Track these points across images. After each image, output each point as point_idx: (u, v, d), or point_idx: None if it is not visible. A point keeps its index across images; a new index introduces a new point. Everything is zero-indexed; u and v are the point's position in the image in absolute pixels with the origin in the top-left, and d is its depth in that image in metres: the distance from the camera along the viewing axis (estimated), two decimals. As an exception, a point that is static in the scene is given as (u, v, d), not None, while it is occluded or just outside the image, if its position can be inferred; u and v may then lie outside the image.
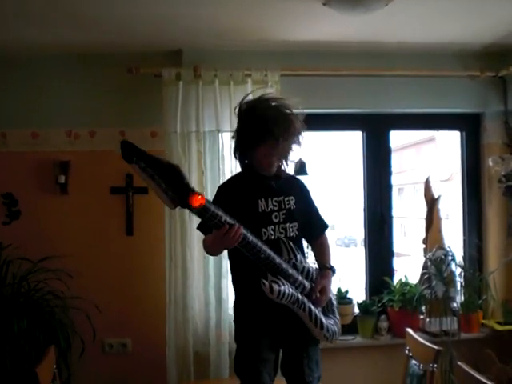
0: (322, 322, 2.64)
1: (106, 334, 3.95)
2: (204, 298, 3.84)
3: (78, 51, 3.91)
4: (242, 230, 2.37)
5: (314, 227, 2.85)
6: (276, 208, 2.65)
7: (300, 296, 2.57)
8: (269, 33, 3.71)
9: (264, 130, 2.57)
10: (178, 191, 2.14)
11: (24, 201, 3.99)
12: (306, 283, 2.63)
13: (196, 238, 3.77)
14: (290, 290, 2.51)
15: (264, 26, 3.61)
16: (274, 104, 2.68)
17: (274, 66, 3.89)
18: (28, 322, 3.49)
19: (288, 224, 2.66)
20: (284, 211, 2.66)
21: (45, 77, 4.00)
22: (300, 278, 2.60)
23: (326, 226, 2.92)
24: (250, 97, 2.81)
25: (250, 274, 2.57)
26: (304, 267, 2.64)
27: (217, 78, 3.82)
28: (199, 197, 2.17)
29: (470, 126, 4.48)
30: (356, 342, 4.15)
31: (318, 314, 2.63)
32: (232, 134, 2.80)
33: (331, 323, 2.72)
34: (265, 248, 2.46)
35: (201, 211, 2.24)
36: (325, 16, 3.33)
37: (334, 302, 2.87)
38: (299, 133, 2.68)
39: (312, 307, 2.61)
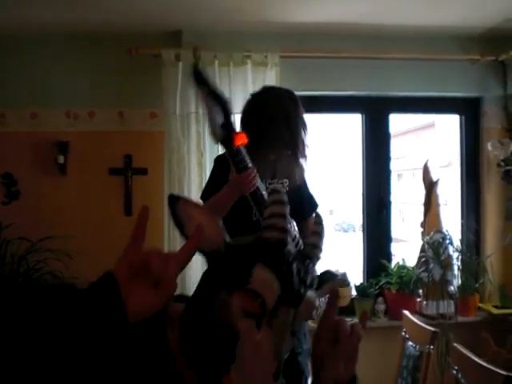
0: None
1: (104, 314, 3.97)
2: (202, 279, 3.86)
3: (78, 31, 3.89)
4: (259, 180, 2.43)
5: (304, 207, 2.85)
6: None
7: None
8: (269, 14, 3.70)
9: (262, 120, 2.60)
10: (225, 126, 2.25)
11: (23, 181, 3.99)
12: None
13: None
14: None
15: (265, 7, 3.60)
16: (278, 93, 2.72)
17: (274, 47, 3.89)
18: (27, 301, 3.51)
19: None
20: None
21: (44, 57, 4.00)
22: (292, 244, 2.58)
23: (315, 206, 2.93)
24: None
25: None
26: (296, 236, 2.63)
27: (216, 59, 3.82)
28: (243, 138, 2.29)
29: (469, 111, 4.48)
30: (353, 324, 4.18)
31: None
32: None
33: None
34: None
35: (237, 151, 2.32)
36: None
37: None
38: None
39: None
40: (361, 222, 4.56)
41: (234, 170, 2.41)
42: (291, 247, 1.08)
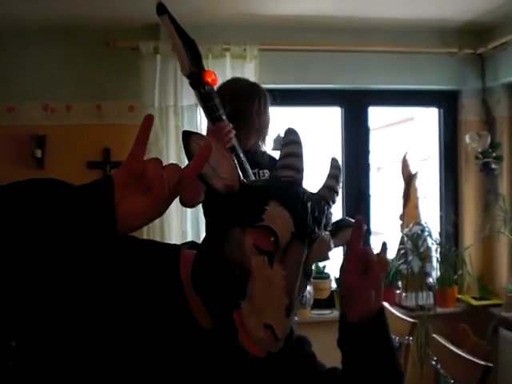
0: None
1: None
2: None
3: (55, 24, 3.84)
4: (235, 139, 2.36)
5: None
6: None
7: None
8: (248, 6, 3.68)
9: (238, 107, 2.59)
10: (195, 64, 2.20)
11: (0, 175, 3.94)
12: None
13: (174, 211, 3.76)
14: None
15: (243, 0, 3.59)
16: (243, 82, 2.74)
17: (253, 40, 3.88)
18: None
19: None
20: None
21: (21, 50, 3.94)
22: None
23: None
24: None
25: None
26: None
27: (195, 51, 3.79)
28: (213, 75, 2.22)
29: (447, 103, 4.50)
30: (333, 317, 4.16)
31: None
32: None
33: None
34: (251, 173, 2.43)
35: (208, 95, 2.24)
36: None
37: None
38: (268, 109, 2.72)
39: None
40: (340, 215, 4.56)
41: (208, 119, 2.35)
42: (306, 188, 1.07)
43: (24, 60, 3.94)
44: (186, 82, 3.76)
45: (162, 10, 2.20)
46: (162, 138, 3.74)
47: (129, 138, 3.63)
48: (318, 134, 5.49)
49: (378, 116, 4.80)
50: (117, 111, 3.97)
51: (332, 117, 4.56)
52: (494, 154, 4.16)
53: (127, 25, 3.87)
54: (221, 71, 3.80)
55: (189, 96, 3.79)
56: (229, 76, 3.78)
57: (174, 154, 3.78)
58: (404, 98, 4.46)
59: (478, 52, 4.20)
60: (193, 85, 2.25)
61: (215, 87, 2.32)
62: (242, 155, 2.42)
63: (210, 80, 2.23)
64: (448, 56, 4.21)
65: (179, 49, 2.18)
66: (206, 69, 2.24)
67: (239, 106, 2.59)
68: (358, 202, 4.37)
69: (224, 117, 2.31)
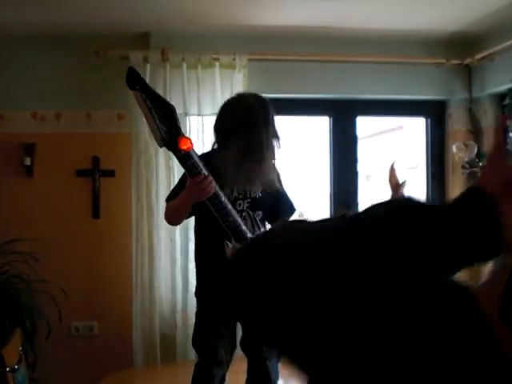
0: None
1: (72, 317, 3.94)
2: (171, 280, 3.85)
3: (45, 33, 3.86)
4: (216, 187, 2.43)
5: (281, 210, 2.88)
6: (241, 196, 2.68)
7: None
8: (238, 17, 3.71)
9: (240, 123, 2.61)
10: (170, 131, 2.25)
11: (-11, 183, 3.95)
12: None
13: (163, 220, 3.77)
14: None
15: (233, 10, 3.61)
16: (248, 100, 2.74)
17: (242, 50, 3.90)
18: (-7, 305, 3.47)
19: (251, 212, 2.70)
20: (249, 200, 2.69)
21: (10, 58, 3.96)
22: None
23: (293, 210, 2.95)
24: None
25: (210, 245, 2.64)
26: None
27: (184, 61, 3.82)
28: (188, 142, 2.26)
29: (435, 113, 4.53)
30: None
31: None
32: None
33: None
34: (234, 212, 2.52)
35: (185, 156, 2.32)
36: (293, 1, 3.35)
37: None
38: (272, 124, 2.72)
39: None
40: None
41: (188, 175, 2.44)
42: None
43: (13, 68, 3.96)
44: (174, 90, 3.82)
45: (132, 81, 2.25)
46: (151, 147, 3.74)
47: (118, 147, 3.66)
48: (306, 143, 5.51)
49: (368, 124, 4.83)
50: (106, 120, 3.99)
51: (319, 126, 4.58)
52: (480, 164, 4.19)
53: (117, 34, 3.89)
54: (210, 81, 3.83)
55: (178, 105, 3.77)
56: (218, 85, 3.81)
57: (163, 163, 3.78)
58: (392, 107, 4.50)
59: (466, 63, 4.23)
60: (168, 148, 2.33)
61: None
62: (224, 200, 2.49)
63: (185, 148, 2.29)
64: (435, 66, 4.24)
65: (150, 122, 2.24)
66: (182, 134, 2.32)
67: (240, 121, 2.60)
68: (346, 211, 4.38)
69: (203, 171, 2.40)
